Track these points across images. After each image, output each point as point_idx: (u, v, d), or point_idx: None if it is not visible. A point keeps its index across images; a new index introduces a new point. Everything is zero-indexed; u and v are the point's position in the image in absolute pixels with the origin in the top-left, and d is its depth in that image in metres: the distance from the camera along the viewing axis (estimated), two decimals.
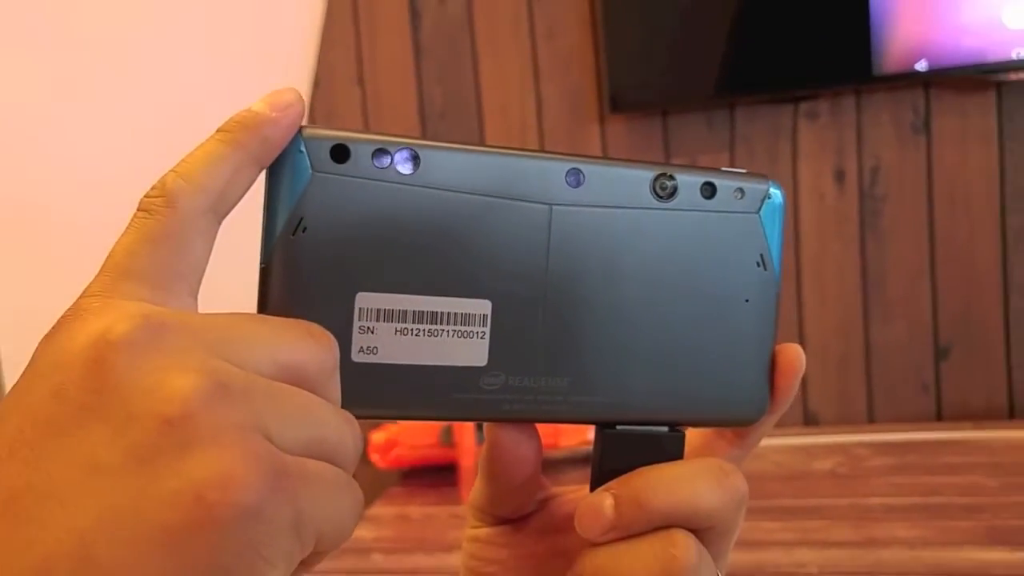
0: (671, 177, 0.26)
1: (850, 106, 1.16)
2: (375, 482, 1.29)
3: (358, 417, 0.23)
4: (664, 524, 0.25)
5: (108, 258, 0.22)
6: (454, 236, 0.25)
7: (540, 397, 0.26)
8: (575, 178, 0.26)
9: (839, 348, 1.20)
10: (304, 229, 0.24)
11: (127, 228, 0.22)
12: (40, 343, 0.21)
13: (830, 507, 0.95)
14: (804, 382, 1.18)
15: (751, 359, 0.27)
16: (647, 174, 0.26)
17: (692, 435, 0.29)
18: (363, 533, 0.96)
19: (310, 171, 0.24)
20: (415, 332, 0.25)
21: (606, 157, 0.25)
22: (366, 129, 0.24)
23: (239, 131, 0.23)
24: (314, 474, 0.20)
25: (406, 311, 0.24)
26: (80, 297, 0.22)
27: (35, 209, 1.37)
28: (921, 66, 1.09)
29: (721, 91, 1.18)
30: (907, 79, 1.12)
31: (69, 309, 0.21)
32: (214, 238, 0.23)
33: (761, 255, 0.27)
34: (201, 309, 0.23)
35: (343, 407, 0.23)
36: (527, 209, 0.25)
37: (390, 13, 1.25)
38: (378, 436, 1.11)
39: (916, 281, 1.17)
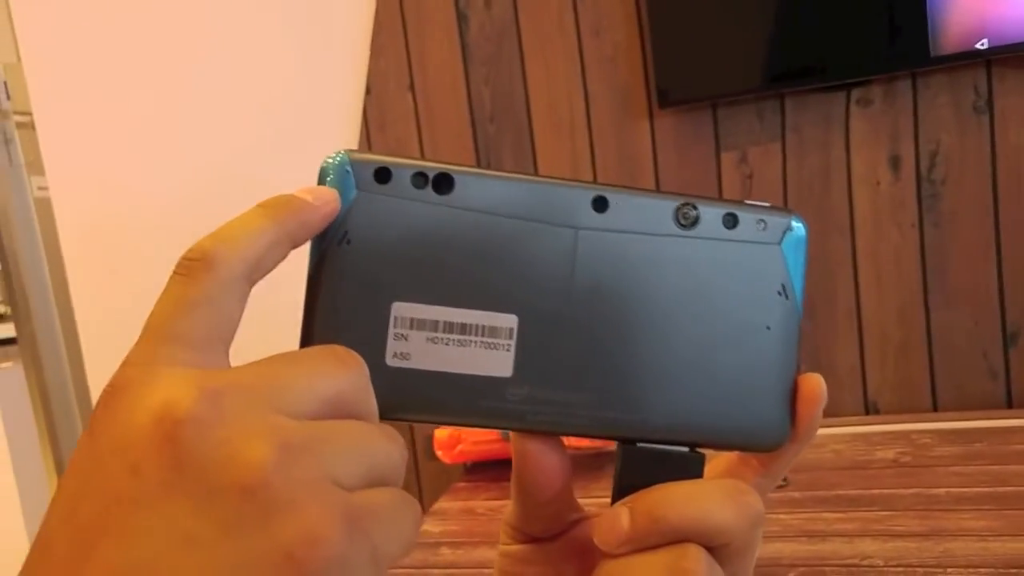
0: (694, 207, 0.27)
1: (905, 90, 1.13)
2: (441, 477, 1.32)
3: (391, 420, 0.25)
4: (678, 539, 0.26)
5: (148, 322, 0.23)
6: (485, 254, 0.26)
7: (563, 410, 0.27)
8: (601, 204, 0.27)
9: (899, 335, 1.18)
10: (348, 242, 0.26)
11: (165, 291, 0.24)
12: (97, 415, 0.22)
13: (894, 497, 0.93)
14: (863, 369, 1.18)
15: (771, 386, 0.28)
16: (670, 203, 0.27)
17: (717, 460, 0.30)
18: (431, 527, 0.99)
19: (355, 190, 0.26)
20: (445, 341, 0.26)
21: (631, 187, 0.26)
22: (401, 154, 0.26)
23: (282, 211, 0.25)
24: (379, 505, 0.22)
25: (437, 321, 0.26)
26: (125, 365, 0.23)
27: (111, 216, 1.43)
28: (982, 44, 1.06)
29: (771, 82, 1.16)
30: (967, 58, 1.09)
31: (116, 377, 0.22)
32: (246, 303, 0.24)
33: (783, 284, 0.28)
34: None
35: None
36: (554, 232, 0.27)
37: (437, 18, 1.26)
38: (442, 433, 1.14)
39: (981, 265, 1.14)
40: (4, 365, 2.59)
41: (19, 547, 2.42)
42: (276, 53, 1.32)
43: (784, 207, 0.28)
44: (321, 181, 0.26)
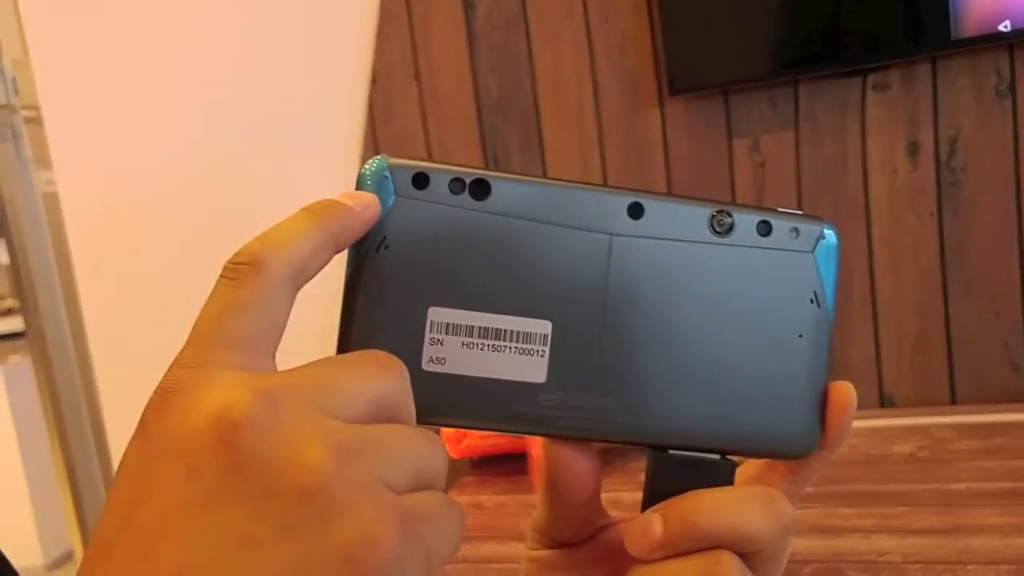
0: (728, 214, 0.28)
1: (924, 74, 1.11)
2: (448, 472, 1.31)
3: (426, 424, 0.25)
4: (710, 545, 0.26)
5: (197, 325, 0.24)
6: (520, 260, 0.27)
7: (595, 416, 0.27)
8: (636, 211, 0.27)
9: (916, 326, 1.16)
10: (386, 247, 0.26)
11: (213, 294, 0.24)
12: (150, 417, 0.22)
13: (912, 492, 0.92)
14: (878, 362, 1.16)
15: (802, 393, 0.28)
16: (705, 210, 0.28)
17: (746, 467, 0.30)
18: None
19: (394, 195, 0.26)
20: (480, 346, 0.27)
21: (666, 193, 0.27)
22: (430, 157, 0.25)
23: (326, 215, 0.25)
24: (428, 507, 0.22)
25: (472, 326, 0.27)
26: (175, 367, 0.23)
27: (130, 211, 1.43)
28: (1005, 27, 1.03)
29: (783, 68, 1.14)
30: (989, 41, 1.06)
31: (167, 380, 0.22)
32: (292, 306, 0.24)
33: (815, 292, 0.28)
34: None
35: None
36: (589, 238, 0.27)
37: (443, 7, 1.25)
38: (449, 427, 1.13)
39: (1002, 254, 1.12)
40: (12, 359, 2.61)
41: (29, 538, 2.44)
42: (281, 44, 1.33)
43: (816, 215, 0.28)
44: (360, 186, 0.26)
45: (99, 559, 0.21)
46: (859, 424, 1.11)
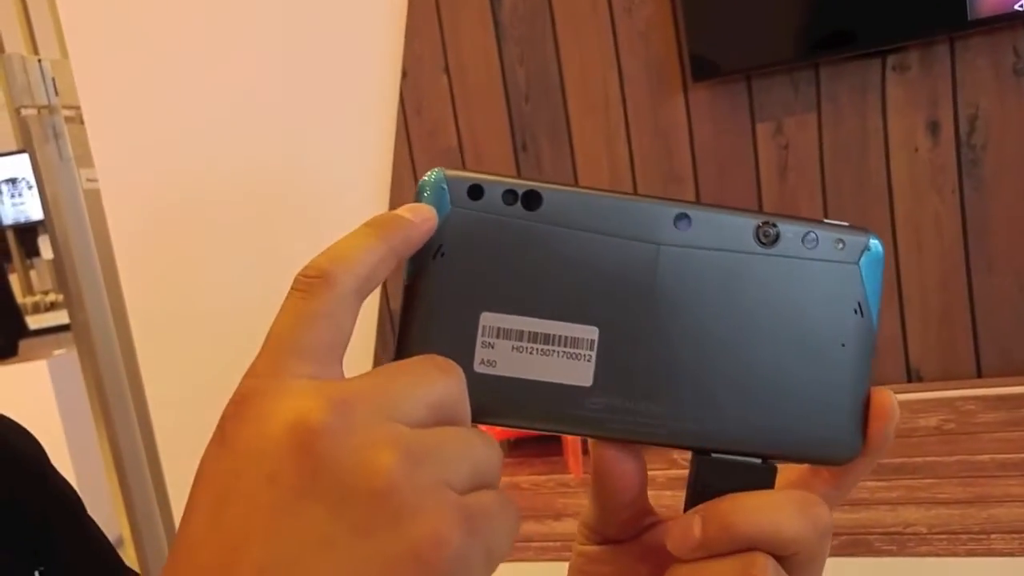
0: (774, 225, 0.28)
1: (943, 54, 1.12)
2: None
3: (477, 424, 0.27)
4: (747, 547, 0.27)
5: (270, 336, 0.25)
6: (569, 268, 0.28)
7: (640, 420, 0.28)
8: (683, 221, 0.28)
9: (940, 301, 1.17)
10: (443, 255, 0.28)
11: (285, 306, 0.25)
12: (228, 425, 0.23)
13: (937, 464, 0.93)
14: (904, 337, 1.17)
15: (844, 401, 0.28)
16: (751, 221, 0.28)
17: (788, 472, 0.30)
18: None
19: (450, 206, 0.28)
20: (529, 350, 0.28)
21: (713, 204, 0.28)
22: (493, 171, 0.28)
23: (388, 229, 0.26)
24: (487, 506, 0.24)
25: (522, 331, 0.28)
26: (251, 376, 0.24)
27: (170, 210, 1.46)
28: (1021, 6, 1.04)
29: (805, 51, 1.15)
30: (1006, 20, 1.07)
31: (244, 388, 0.24)
32: (357, 316, 0.26)
33: (859, 303, 0.28)
34: None
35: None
36: (637, 247, 0.28)
37: (470, 0, 1.27)
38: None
39: None
40: (58, 352, 2.68)
41: None
42: (314, 41, 1.34)
43: (861, 227, 0.29)
44: (418, 197, 0.28)
45: (186, 558, 0.22)
46: None
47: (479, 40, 1.27)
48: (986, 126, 1.12)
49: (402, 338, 0.28)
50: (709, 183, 1.22)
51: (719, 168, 1.22)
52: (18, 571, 0.43)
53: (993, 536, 0.79)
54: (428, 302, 0.28)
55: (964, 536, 0.79)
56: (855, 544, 0.82)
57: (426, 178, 0.28)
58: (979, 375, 1.16)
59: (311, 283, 0.25)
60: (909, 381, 1.19)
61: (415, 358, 0.26)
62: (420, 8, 1.29)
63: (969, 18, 1.06)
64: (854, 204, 1.18)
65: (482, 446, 0.25)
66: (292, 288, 0.25)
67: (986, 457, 0.93)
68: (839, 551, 0.82)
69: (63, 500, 0.50)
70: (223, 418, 0.24)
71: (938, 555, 0.78)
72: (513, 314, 0.28)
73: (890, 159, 1.16)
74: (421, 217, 0.27)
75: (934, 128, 1.14)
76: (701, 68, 1.17)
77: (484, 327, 0.28)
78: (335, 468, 0.22)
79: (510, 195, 0.28)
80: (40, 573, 0.44)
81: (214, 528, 0.22)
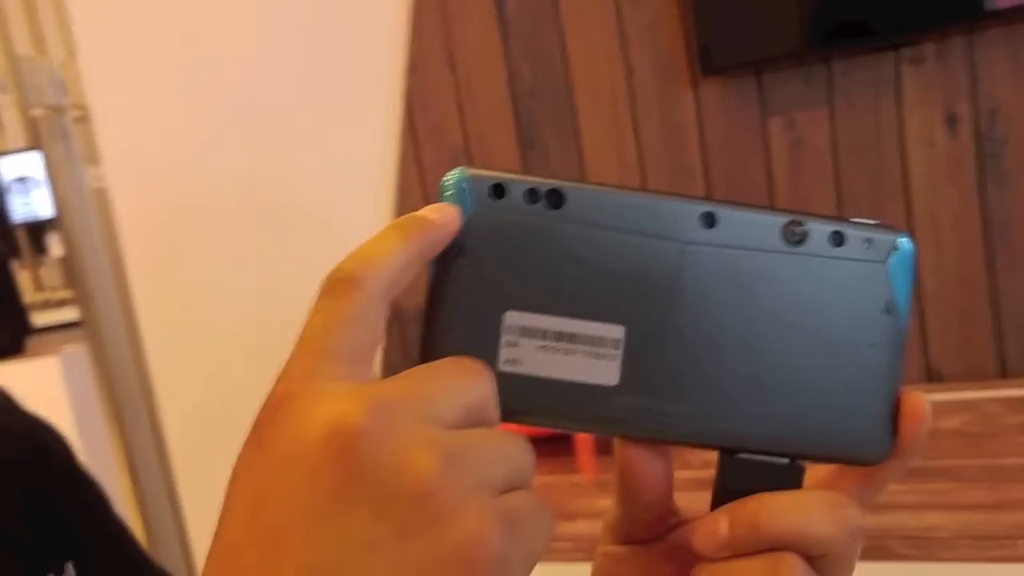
0: (801, 224, 0.28)
1: (960, 47, 1.09)
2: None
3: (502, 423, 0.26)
4: (774, 547, 0.27)
5: (302, 339, 0.25)
6: (593, 267, 0.27)
7: (666, 419, 0.28)
8: (709, 220, 0.28)
9: (961, 299, 1.14)
10: (465, 254, 0.27)
11: (315, 309, 0.25)
12: (264, 428, 0.23)
13: (961, 468, 0.91)
14: (924, 336, 1.15)
15: (874, 401, 0.28)
16: (778, 220, 0.28)
17: (818, 472, 0.30)
18: None
19: (473, 205, 0.27)
20: (553, 349, 0.28)
21: (739, 202, 0.27)
22: (514, 169, 0.27)
23: (413, 230, 0.26)
24: (524, 507, 0.24)
25: (547, 330, 0.28)
26: (285, 380, 0.24)
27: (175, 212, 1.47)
28: None
29: (816, 44, 1.13)
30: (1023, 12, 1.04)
31: (279, 392, 0.24)
32: (386, 317, 0.26)
33: (887, 302, 0.28)
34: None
35: None
36: (662, 246, 0.28)
37: None
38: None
39: None
40: (68, 348, 2.69)
41: None
42: (320, 36, 1.34)
43: (890, 225, 0.28)
44: (441, 196, 0.27)
45: (225, 560, 0.22)
46: None
47: (484, 35, 1.26)
48: (1007, 119, 1.09)
49: (426, 338, 0.28)
50: (720, 181, 1.21)
51: (730, 165, 1.20)
52: (51, 563, 0.44)
53: (1019, 541, 0.78)
54: (452, 302, 0.27)
55: (989, 541, 0.78)
56: (878, 549, 0.81)
57: (448, 177, 0.28)
58: (1003, 375, 1.14)
59: (340, 286, 0.25)
60: (929, 381, 1.17)
61: (445, 360, 0.26)
62: (425, 4, 1.28)
63: (986, 8, 1.03)
64: (869, 200, 1.15)
65: (516, 448, 0.25)
66: (321, 291, 0.25)
67: (1011, 460, 0.91)
68: (861, 555, 0.80)
69: (92, 497, 0.51)
70: (258, 423, 0.24)
71: (962, 560, 0.77)
72: (537, 313, 0.27)
73: (906, 154, 1.13)
74: (446, 218, 0.27)
75: (952, 122, 1.11)
76: (710, 62, 1.15)
77: (508, 326, 0.27)
78: (375, 471, 0.22)
79: (533, 194, 0.27)
80: (73, 565, 0.45)
81: (254, 529, 0.22)
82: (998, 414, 1.03)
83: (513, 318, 0.27)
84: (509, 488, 0.24)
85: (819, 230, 0.28)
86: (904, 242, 0.28)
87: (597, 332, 0.27)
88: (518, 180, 0.27)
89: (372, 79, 1.32)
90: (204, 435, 1.49)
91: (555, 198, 0.27)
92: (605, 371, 0.27)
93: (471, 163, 1.33)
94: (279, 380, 0.24)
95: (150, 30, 1.42)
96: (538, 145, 1.27)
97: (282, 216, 1.39)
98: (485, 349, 0.27)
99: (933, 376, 1.17)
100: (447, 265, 0.27)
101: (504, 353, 0.27)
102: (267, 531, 0.22)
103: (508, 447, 0.25)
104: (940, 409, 1.07)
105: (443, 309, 0.27)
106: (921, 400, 0.28)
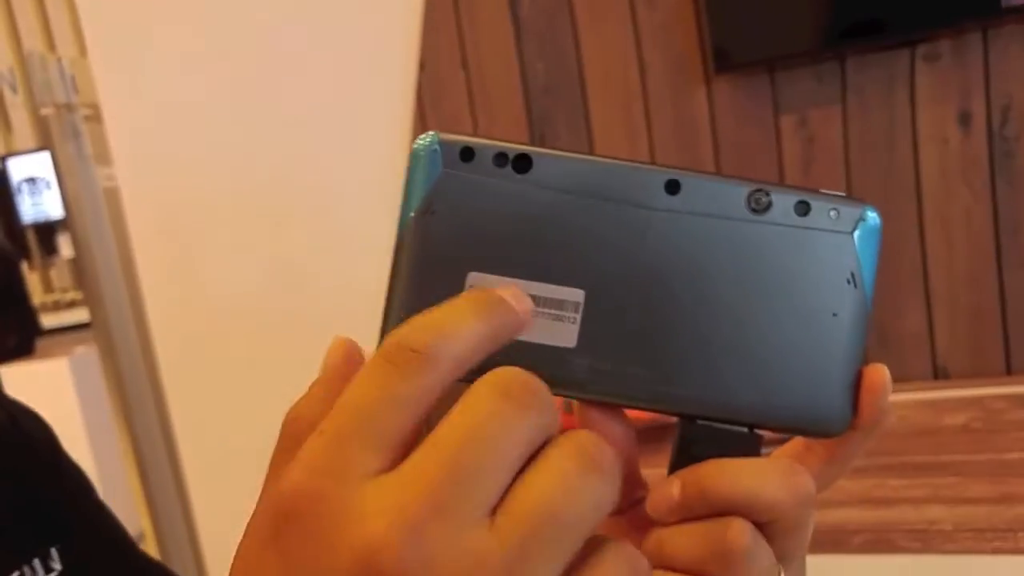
0: (766, 193, 0.28)
1: (975, 44, 1.09)
2: None
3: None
4: (726, 511, 0.27)
5: (347, 409, 0.22)
6: (557, 231, 0.28)
7: (624, 383, 0.28)
8: (673, 187, 0.28)
9: (970, 298, 1.15)
10: (432, 213, 0.28)
11: (370, 377, 0.22)
12: (285, 528, 0.21)
13: (964, 463, 0.92)
14: (931, 334, 1.15)
15: (835, 372, 0.28)
16: (743, 188, 0.28)
17: (785, 448, 0.30)
18: None
19: (441, 167, 0.28)
20: None
21: (705, 171, 0.27)
22: (482, 133, 0.27)
23: (494, 314, 0.24)
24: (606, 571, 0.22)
25: None
26: (311, 472, 0.21)
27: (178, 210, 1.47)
28: None
29: (830, 42, 1.14)
30: None
31: (304, 486, 0.21)
32: None
33: (852, 273, 0.28)
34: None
35: None
36: (626, 212, 0.28)
37: None
38: None
39: None
40: (79, 349, 2.70)
41: None
42: (332, 34, 1.34)
43: (859, 198, 0.28)
44: (412, 160, 0.28)
45: None
46: (912, 396, 1.11)
47: (497, 33, 1.27)
48: (1019, 116, 1.10)
49: (390, 296, 0.28)
50: None
51: (742, 162, 1.20)
52: (36, 548, 0.44)
53: (1020, 534, 0.78)
54: (416, 260, 0.28)
55: (990, 534, 0.78)
56: (879, 542, 0.81)
57: (420, 140, 0.28)
58: (1008, 373, 1.14)
59: (409, 359, 0.22)
60: (936, 379, 1.17)
61: (486, 402, 0.22)
62: (438, 1, 1.28)
63: (1003, 5, 1.03)
64: (881, 198, 1.16)
65: (589, 495, 0.22)
66: (384, 358, 0.22)
67: (1014, 455, 0.91)
68: (864, 548, 0.81)
69: (75, 483, 0.50)
70: (277, 514, 0.21)
71: (963, 552, 0.77)
72: (500, 274, 0.28)
73: (919, 152, 1.14)
74: (524, 308, 0.25)
75: (965, 120, 1.12)
76: (723, 59, 1.16)
77: (471, 287, 0.28)
78: None
79: (501, 158, 0.28)
80: (57, 550, 0.44)
81: None
82: (1003, 410, 1.04)
83: (476, 279, 0.28)
84: (585, 552, 0.22)
85: (784, 199, 0.28)
86: (871, 215, 0.28)
87: (558, 295, 0.28)
88: (487, 144, 0.28)
89: (384, 76, 1.32)
90: (214, 436, 1.50)
91: (522, 162, 0.28)
92: (565, 333, 0.28)
93: None
94: (305, 467, 0.21)
95: (161, 28, 1.41)
96: (550, 143, 1.27)
97: (294, 216, 1.39)
98: None
99: (940, 374, 1.17)
100: (414, 223, 0.28)
101: None
102: None
103: (579, 504, 0.21)
104: (945, 406, 1.07)
105: (406, 267, 0.28)
106: (881, 372, 0.28)
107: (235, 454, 1.55)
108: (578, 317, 0.28)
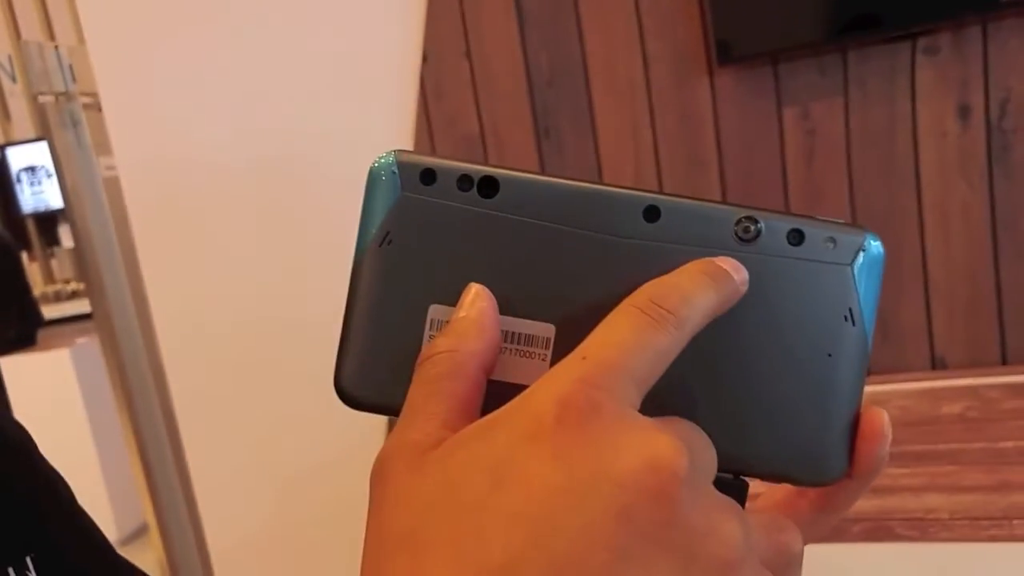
0: (756, 220, 0.25)
1: (975, 37, 1.10)
2: None
3: None
4: None
5: (610, 344, 0.23)
6: (525, 261, 0.26)
7: None
8: (652, 214, 0.25)
9: (967, 289, 1.16)
10: (390, 242, 0.26)
11: (631, 325, 0.23)
12: (556, 428, 0.21)
13: (960, 451, 0.93)
14: (929, 324, 1.16)
15: (829, 418, 0.26)
16: (730, 215, 0.25)
17: (775, 492, 0.28)
18: None
19: (399, 191, 0.26)
20: None
21: (690, 196, 0.26)
22: (455, 156, 0.26)
23: (722, 284, 0.24)
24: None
25: None
26: (589, 386, 0.22)
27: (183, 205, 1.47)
28: None
29: (832, 34, 1.14)
30: None
31: (581, 395, 0.21)
32: None
33: (850, 309, 0.25)
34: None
35: None
36: (601, 240, 0.25)
37: None
38: None
39: None
40: (80, 340, 2.70)
41: (103, 514, 2.53)
42: (334, 24, 1.33)
43: (859, 224, 0.26)
44: (369, 182, 0.26)
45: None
46: (909, 386, 1.12)
47: (501, 24, 1.27)
48: (1017, 110, 1.11)
49: (345, 332, 0.26)
50: (734, 169, 1.22)
51: (744, 154, 1.21)
52: (9, 556, 0.42)
53: (1015, 522, 0.79)
54: (374, 293, 0.26)
55: (986, 522, 0.80)
56: (878, 530, 0.82)
57: (377, 161, 0.26)
58: (1004, 362, 1.16)
59: (664, 318, 0.23)
60: (933, 369, 1.18)
61: (667, 423, 0.23)
62: None
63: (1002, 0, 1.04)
64: (881, 190, 1.17)
65: (789, 537, 0.24)
66: (641, 309, 0.23)
67: (1010, 444, 0.93)
68: (861, 537, 0.82)
69: (53, 488, 0.49)
70: (543, 414, 0.21)
71: (960, 540, 0.79)
72: None
73: (918, 145, 1.15)
74: (742, 279, 0.25)
75: (964, 113, 1.13)
76: (726, 52, 1.16)
77: (432, 320, 0.26)
78: (688, 524, 0.21)
79: (465, 181, 0.26)
80: (31, 559, 0.43)
81: (540, 549, 0.20)
82: (998, 399, 1.05)
83: (438, 312, 0.26)
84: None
85: (775, 227, 0.25)
86: (873, 244, 0.26)
87: (526, 330, 0.25)
88: (450, 166, 0.26)
89: (387, 67, 1.32)
90: (217, 427, 1.50)
91: (488, 186, 0.26)
92: (534, 371, 0.25)
93: (486, 153, 1.34)
94: (577, 379, 0.22)
95: (161, 15, 1.40)
96: (554, 135, 1.28)
97: (295, 206, 1.38)
98: (407, 344, 0.25)
99: (937, 363, 1.18)
100: (370, 255, 0.26)
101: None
102: (554, 555, 0.20)
103: (784, 534, 0.24)
104: (942, 395, 1.09)
105: (364, 300, 0.26)
106: (881, 418, 0.26)
107: (238, 444, 1.56)
108: (548, 354, 0.25)
